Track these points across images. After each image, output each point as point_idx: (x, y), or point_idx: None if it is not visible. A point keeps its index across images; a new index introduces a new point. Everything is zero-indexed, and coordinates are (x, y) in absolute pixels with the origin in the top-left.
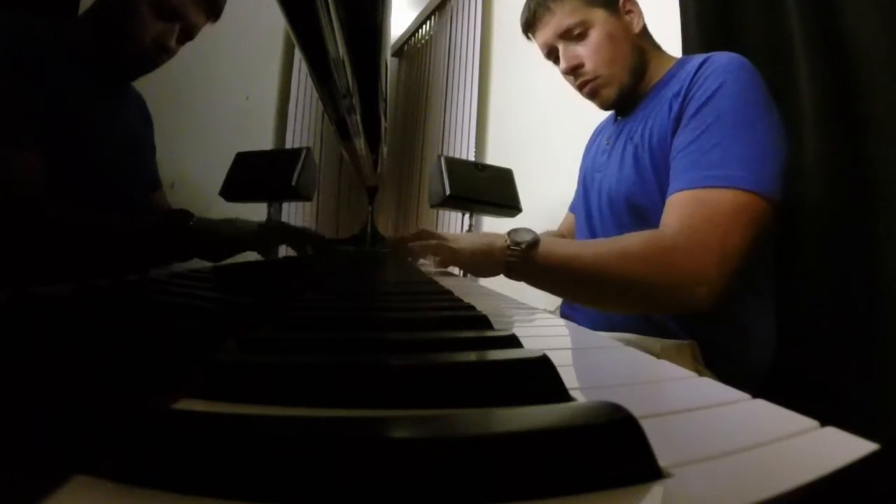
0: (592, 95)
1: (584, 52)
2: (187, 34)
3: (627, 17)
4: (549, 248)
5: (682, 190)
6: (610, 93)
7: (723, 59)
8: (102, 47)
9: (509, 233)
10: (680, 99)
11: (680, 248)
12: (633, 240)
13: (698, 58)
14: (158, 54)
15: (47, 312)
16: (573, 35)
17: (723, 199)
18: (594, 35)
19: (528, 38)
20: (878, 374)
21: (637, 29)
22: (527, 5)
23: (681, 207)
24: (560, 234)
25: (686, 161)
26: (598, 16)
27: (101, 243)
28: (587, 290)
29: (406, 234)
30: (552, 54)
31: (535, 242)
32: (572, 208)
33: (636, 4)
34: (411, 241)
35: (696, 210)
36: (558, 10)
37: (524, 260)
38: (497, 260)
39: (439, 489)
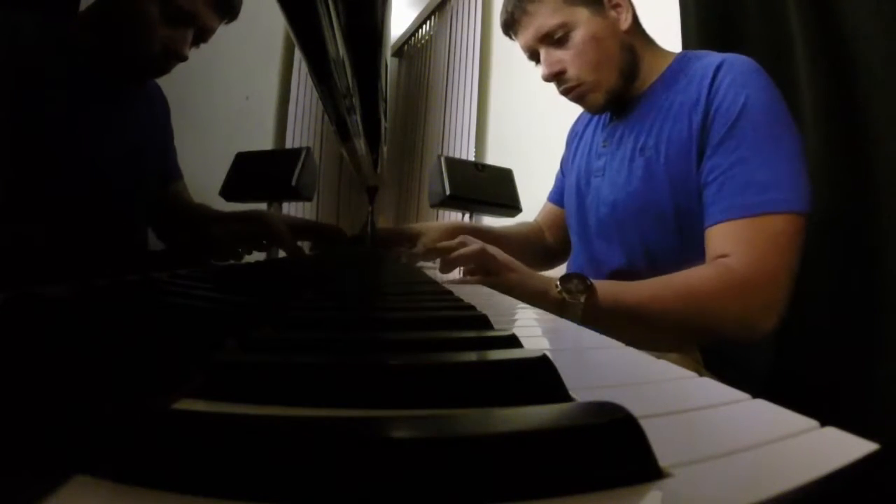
0: (579, 101)
1: (566, 56)
2: (201, 37)
3: (614, 14)
4: (610, 294)
5: (736, 218)
6: (598, 98)
7: (741, 65)
8: (107, 51)
9: (561, 280)
10: (701, 110)
11: (752, 282)
12: (702, 277)
13: (709, 59)
14: (170, 60)
15: (48, 312)
16: (554, 39)
17: (780, 224)
18: (577, 38)
19: (509, 37)
20: (878, 374)
21: (625, 26)
22: (504, 7)
23: (742, 236)
24: (538, 226)
25: (733, 185)
26: (581, 16)
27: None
28: (654, 333)
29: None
30: (535, 56)
31: (591, 293)
32: (554, 199)
33: None
34: (474, 268)
35: (759, 239)
36: (537, 11)
37: (584, 310)
38: (551, 305)
39: (439, 489)
